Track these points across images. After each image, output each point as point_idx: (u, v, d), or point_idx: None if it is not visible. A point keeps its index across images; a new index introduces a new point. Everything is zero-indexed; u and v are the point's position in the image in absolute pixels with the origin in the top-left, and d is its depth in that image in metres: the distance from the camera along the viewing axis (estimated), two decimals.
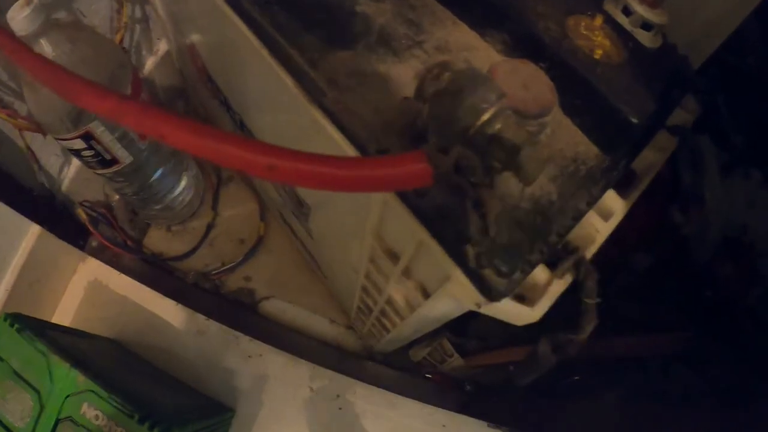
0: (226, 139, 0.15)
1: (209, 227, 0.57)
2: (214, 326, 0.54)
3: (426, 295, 0.29)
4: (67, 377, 0.43)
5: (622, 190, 0.29)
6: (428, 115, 0.18)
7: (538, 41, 0.26)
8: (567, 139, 0.26)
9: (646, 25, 0.30)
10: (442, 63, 0.20)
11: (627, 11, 0.31)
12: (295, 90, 0.26)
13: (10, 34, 0.21)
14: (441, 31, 0.28)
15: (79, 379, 0.43)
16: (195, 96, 0.61)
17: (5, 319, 0.46)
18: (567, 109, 0.26)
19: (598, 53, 0.26)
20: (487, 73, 0.22)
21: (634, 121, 0.26)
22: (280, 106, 0.32)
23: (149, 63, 0.60)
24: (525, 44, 0.27)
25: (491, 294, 0.23)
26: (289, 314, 0.54)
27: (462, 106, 0.17)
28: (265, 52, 0.28)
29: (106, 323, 0.56)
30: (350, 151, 0.24)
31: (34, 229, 0.54)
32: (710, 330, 0.45)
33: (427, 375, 0.51)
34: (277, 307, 0.54)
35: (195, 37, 0.48)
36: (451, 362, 0.48)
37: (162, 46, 0.60)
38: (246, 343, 0.53)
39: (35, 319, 0.48)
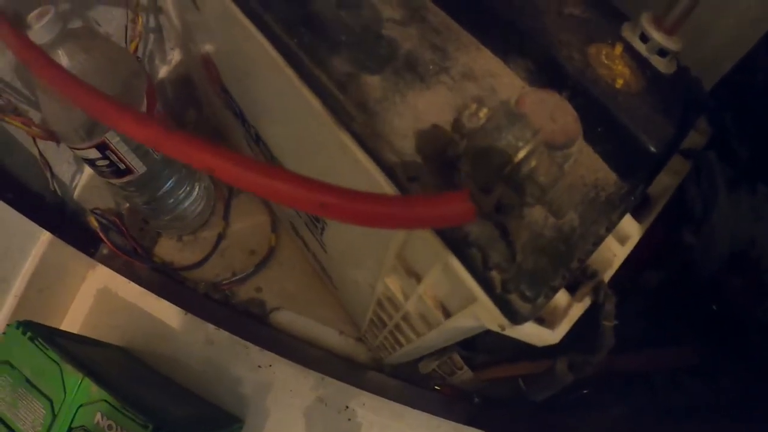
0: (278, 175, 0.16)
1: (220, 238, 0.58)
2: (223, 336, 0.54)
3: (447, 314, 0.30)
4: (81, 387, 0.43)
5: (638, 214, 0.30)
6: (466, 151, 0.19)
7: (561, 70, 0.27)
8: (588, 165, 0.27)
9: (662, 52, 0.31)
10: (478, 98, 0.20)
11: (644, 38, 0.32)
12: (324, 113, 0.27)
13: (51, 61, 0.21)
14: (465, 57, 0.29)
15: (92, 389, 0.43)
16: (207, 105, 0.61)
17: (17, 327, 0.46)
18: (588, 136, 0.27)
19: (618, 83, 0.27)
20: (515, 103, 0.23)
21: (653, 149, 0.27)
22: (305, 127, 0.33)
23: (162, 71, 0.60)
24: (548, 72, 0.28)
25: (516, 318, 0.24)
26: (299, 325, 0.54)
27: (500, 144, 0.18)
28: (292, 73, 0.29)
29: (116, 331, 0.57)
30: (379, 176, 0.25)
31: (45, 236, 0.54)
32: (717, 343, 0.46)
33: (436, 387, 0.52)
34: (287, 318, 0.55)
35: (211, 49, 0.48)
36: (461, 375, 0.49)
37: (175, 55, 0.61)
38: (256, 353, 0.54)
39: (47, 326, 0.49)
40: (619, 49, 0.29)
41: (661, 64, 0.31)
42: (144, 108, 0.48)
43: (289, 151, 0.42)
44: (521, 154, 0.18)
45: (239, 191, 0.60)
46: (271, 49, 0.30)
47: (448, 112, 0.26)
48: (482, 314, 0.25)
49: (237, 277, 0.56)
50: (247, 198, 0.60)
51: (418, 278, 0.30)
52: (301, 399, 0.53)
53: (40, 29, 0.40)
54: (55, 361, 0.45)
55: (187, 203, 0.55)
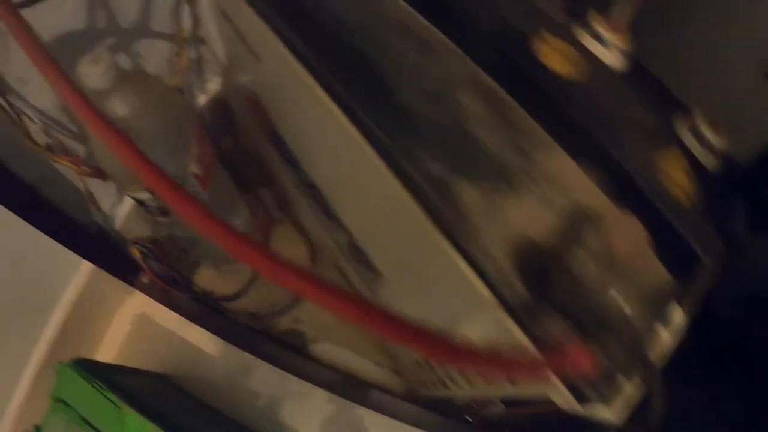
0: (405, 327, 0.19)
1: None
2: (262, 366, 0.58)
3: (513, 382, 0.34)
4: (142, 428, 0.46)
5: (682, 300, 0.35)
6: (565, 286, 0.23)
7: (632, 181, 0.31)
8: (648, 268, 0.31)
9: (714, 150, 0.36)
10: (574, 232, 0.24)
11: (697, 134, 0.36)
12: (423, 217, 0.30)
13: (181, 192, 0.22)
14: (546, 159, 0.32)
15: (149, 427, 0.46)
16: (245, 136, 0.63)
17: (71, 366, 0.49)
18: (651, 242, 0.31)
19: (680, 196, 0.32)
20: (602, 233, 0.27)
21: (703, 256, 0.31)
22: (390, 215, 0.35)
23: (200, 100, 0.61)
24: (619, 180, 0.32)
25: (584, 403, 0.29)
26: (336, 356, 0.58)
27: (598, 290, 0.22)
28: (385, 168, 0.32)
29: (153, 357, 0.59)
30: (480, 287, 0.28)
31: (86, 266, 0.56)
32: (730, 374, 0.51)
33: (468, 418, 0.57)
34: (325, 349, 0.59)
35: (265, 97, 0.50)
36: (494, 408, 0.54)
37: (213, 86, 0.62)
38: (294, 383, 0.58)
39: (100, 364, 0.51)
40: (678, 156, 0.34)
41: (710, 161, 0.36)
42: (195, 148, 0.50)
43: (358, 218, 0.44)
44: (614, 297, 0.22)
45: (278, 221, 0.63)
46: (362, 141, 0.33)
47: (538, 223, 0.30)
48: (554, 395, 0.30)
49: (276, 309, 0.59)
50: (286, 229, 0.63)
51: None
52: (338, 427, 0.57)
53: (94, 77, 0.40)
54: (111, 401, 0.47)
55: None
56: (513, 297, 0.27)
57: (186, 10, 0.53)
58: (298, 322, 0.60)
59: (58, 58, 0.22)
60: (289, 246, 0.62)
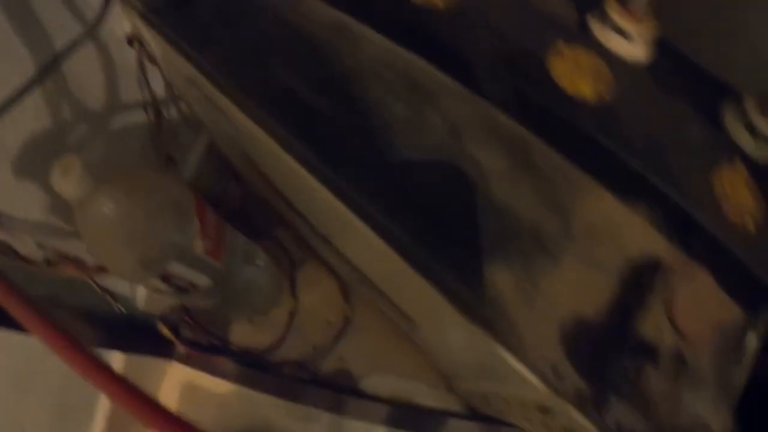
0: None
1: (292, 314, 0.61)
2: (319, 414, 0.60)
3: None
4: None
5: None
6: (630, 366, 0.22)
7: (692, 218, 0.28)
8: (719, 309, 0.29)
9: None
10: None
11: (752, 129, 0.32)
12: (452, 311, 0.28)
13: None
14: (585, 208, 0.29)
15: None
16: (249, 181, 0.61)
17: None
18: (719, 279, 0.29)
19: (749, 225, 0.29)
20: (668, 313, 0.25)
21: None
22: (415, 294, 0.33)
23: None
24: (678, 221, 0.29)
25: None
26: (388, 387, 0.60)
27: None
28: (402, 262, 0.29)
29: (207, 423, 0.62)
30: (528, 376, 0.27)
31: (119, 357, 0.58)
32: None
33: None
34: (375, 383, 0.60)
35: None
36: None
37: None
38: (354, 425, 0.60)
39: None
40: (740, 169, 0.30)
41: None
42: (197, 227, 0.48)
43: (388, 286, 0.43)
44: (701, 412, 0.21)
45: (301, 262, 0.63)
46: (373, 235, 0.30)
47: (584, 294, 0.28)
48: None
49: (318, 350, 0.60)
50: (312, 269, 0.63)
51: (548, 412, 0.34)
52: None
53: (67, 189, 0.38)
54: None
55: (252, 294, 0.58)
56: (570, 391, 0.26)
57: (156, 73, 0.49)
58: (343, 361, 0.61)
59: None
60: (320, 283, 0.63)
